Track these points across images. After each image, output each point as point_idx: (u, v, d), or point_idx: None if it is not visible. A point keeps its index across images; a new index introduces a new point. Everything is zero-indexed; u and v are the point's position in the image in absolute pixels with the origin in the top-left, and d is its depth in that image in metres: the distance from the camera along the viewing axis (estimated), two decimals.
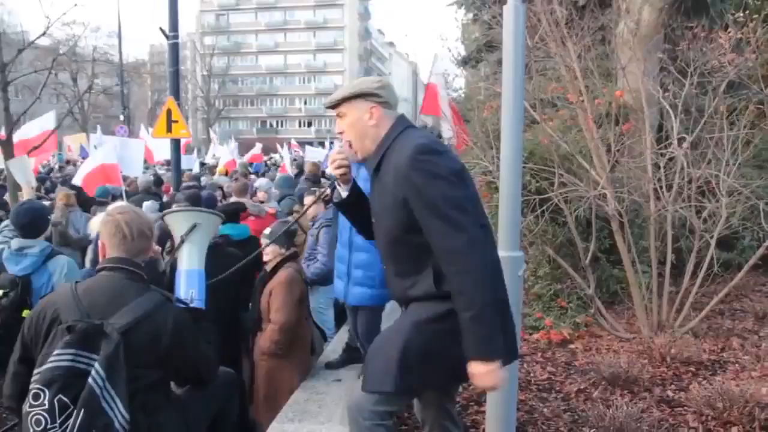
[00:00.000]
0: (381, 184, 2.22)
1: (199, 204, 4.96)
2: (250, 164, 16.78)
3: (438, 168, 2.04)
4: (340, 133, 2.31)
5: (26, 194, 5.62)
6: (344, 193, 2.38)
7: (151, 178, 9.74)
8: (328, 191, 2.57)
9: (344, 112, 2.27)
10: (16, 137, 9.57)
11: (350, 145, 2.28)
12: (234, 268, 3.27)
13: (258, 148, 20.19)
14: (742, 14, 5.32)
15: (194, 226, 2.93)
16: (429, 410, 2.52)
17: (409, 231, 2.11)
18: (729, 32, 5.22)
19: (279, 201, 7.38)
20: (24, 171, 6.78)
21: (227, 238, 4.40)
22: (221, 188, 8.81)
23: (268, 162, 20.94)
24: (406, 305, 2.29)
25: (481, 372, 2.00)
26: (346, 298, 3.81)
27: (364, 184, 2.45)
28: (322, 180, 8.91)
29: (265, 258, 3.96)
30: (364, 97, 2.23)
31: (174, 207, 4.31)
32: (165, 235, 4.08)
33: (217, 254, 4.06)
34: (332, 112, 2.34)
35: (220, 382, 2.55)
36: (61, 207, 6.37)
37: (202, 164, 17.28)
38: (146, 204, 5.97)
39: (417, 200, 2.04)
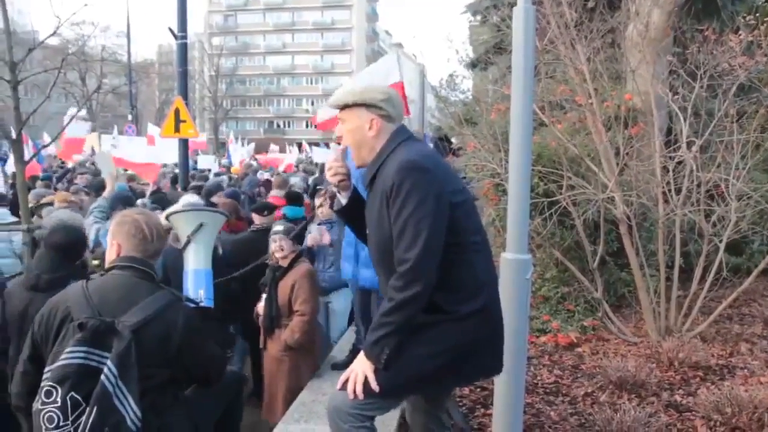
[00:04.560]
0: (373, 198, 2.22)
1: (166, 206, 5.25)
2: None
3: (416, 185, 2.04)
4: (339, 137, 2.30)
5: (109, 185, 6.01)
6: (344, 201, 2.37)
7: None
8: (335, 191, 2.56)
9: (345, 118, 2.26)
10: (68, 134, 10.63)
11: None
12: (253, 264, 3.31)
13: (274, 152, 20.32)
14: (752, 17, 5.28)
15: (200, 226, 2.94)
16: (417, 415, 2.52)
17: None
18: (739, 35, 5.20)
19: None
20: (108, 164, 7.24)
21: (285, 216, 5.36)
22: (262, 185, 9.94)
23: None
24: None
25: (359, 359, 2.14)
26: (357, 279, 3.81)
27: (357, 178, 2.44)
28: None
29: (280, 255, 3.99)
30: (367, 107, 2.22)
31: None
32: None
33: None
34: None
35: (226, 381, 2.56)
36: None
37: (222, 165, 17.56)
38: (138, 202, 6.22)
39: (392, 212, 2.08)
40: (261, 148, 25.65)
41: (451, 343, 2.12)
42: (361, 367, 2.11)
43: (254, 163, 16.79)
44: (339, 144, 2.40)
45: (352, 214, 2.41)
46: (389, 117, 2.23)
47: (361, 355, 2.13)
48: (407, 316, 2.05)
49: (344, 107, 2.25)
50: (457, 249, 2.12)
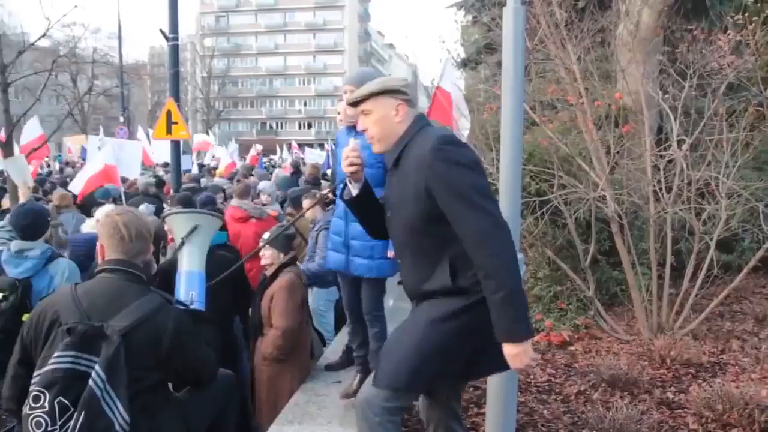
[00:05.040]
0: (401, 176, 2.24)
1: (191, 206, 5.03)
2: (252, 166, 16.84)
3: (460, 157, 2.10)
4: (364, 130, 2.33)
5: (22, 195, 5.44)
6: (354, 191, 2.39)
7: (151, 179, 9.70)
8: (330, 194, 2.57)
9: (369, 108, 2.29)
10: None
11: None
12: (228, 271, 3.28)
13: (254, 149, 20.20)
14: (741, 17, 5.33)
15: (195, 228, 2.94)
16: (435, 409, 2.52)
17: (430, 221, 2.14)
18: (728, 34, 5.24)
19: (281, 203, 7.40)
20: (21, 170, 6.50)
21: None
22: (223, 190, 8.55)
23: (267, 163, 20.97)
24: (419, 301, 2.29)
25: (512, 353, 2.03)
26: (348, 269, 3.79)
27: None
28: (322, 182, 8.88)
29: (264, 263, 3.96)
30: (391, 94, 2.26)
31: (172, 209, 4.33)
32: (158, 237, 4.13)
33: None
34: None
35: (219, 383, 2.54)
36: (52, 207, 6.11)
37: (201, 166, 17.29)
38: (141, 207, 5.97)
39: (442, 188, 2.08)
40: (249, 149, 25.39)
41: (477, 332, 2.12)
42: (524, 361, 2.03)
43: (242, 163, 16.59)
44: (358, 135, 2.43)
45: (360, 205, 2.43)
46: (411, 102, 2.30)
47: (513, 346, 2.01)
48: (516, 272, 2.02)
49: (366, 99, 2.29)
50: None
